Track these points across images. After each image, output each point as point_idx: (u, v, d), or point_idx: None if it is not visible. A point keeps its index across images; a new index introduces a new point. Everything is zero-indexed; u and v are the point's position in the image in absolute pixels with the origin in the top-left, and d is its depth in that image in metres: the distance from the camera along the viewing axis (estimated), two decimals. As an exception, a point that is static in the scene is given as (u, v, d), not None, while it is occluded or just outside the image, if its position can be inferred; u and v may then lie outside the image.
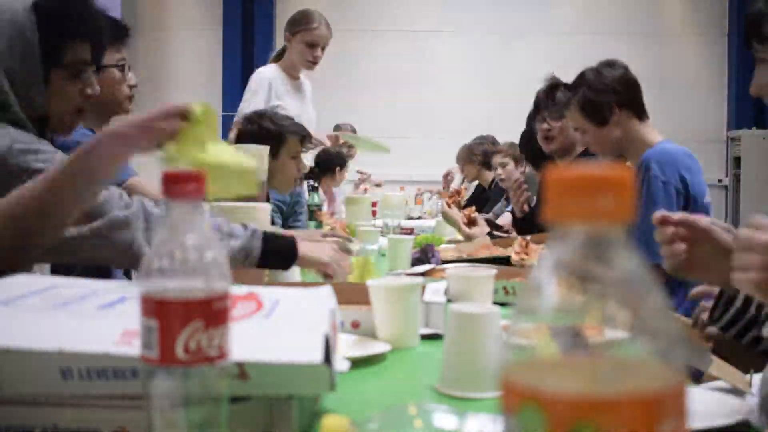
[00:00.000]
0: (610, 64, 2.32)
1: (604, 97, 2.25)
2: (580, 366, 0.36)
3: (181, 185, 0.59)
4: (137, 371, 0.68)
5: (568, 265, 0.37)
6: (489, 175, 4.87)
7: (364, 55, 8.64)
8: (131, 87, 2.13)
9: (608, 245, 0.37)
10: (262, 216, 1.70)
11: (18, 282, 0.92)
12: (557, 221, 0.38)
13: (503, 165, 4.27)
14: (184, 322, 0.58)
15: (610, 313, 0.36)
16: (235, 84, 8.35)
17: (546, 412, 0.35)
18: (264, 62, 8.68)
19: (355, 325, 1.27)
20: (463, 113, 8.00)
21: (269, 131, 2.83)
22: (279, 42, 8.75)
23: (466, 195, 5.15)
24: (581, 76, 2.32)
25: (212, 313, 0.59)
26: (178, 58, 8.67)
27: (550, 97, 2.85)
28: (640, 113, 2.28)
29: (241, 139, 2.89)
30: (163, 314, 0.59)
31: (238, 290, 0.88)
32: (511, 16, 8.46)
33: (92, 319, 0.77)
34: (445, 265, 2.16)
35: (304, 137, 2.94)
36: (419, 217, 4.81)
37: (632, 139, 2.28)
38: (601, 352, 0.36)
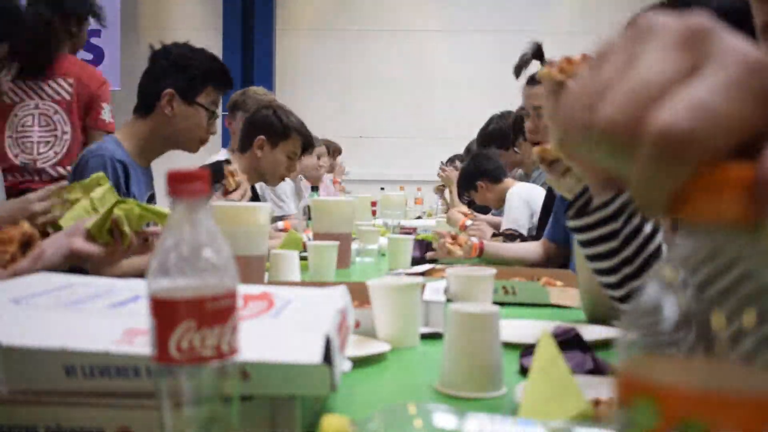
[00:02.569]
0: None
1: None
2: (697, 364, 0.36)
3: (184, 184, 0.59)
4: (139, 369, 0.68)
5: (691, 267, 0.36)
6: None
7: (363, 55, 8.64)
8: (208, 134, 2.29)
9: (734, 247, 0.36)
10: (262, 216, 1.70)
11: (36, 280, 0.92)
12: (685, 220, 0.36)
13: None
14: (175, 321, 0.58)
15: (734, 315, 0.35)
16: (234, 84, 8.34)
17: (658, 405, 0.35)
18: (264, 62, 8.66)
19: (355, 325, 1.27)
20: (463, 113, 8.00)
21: (282, 122, 2.89)
22: (279, 42, 8.79)
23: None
24: None
25: (205, 313, 0.59)
26: (178, 57, 8.65)
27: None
28: None
29: (251, 123, 2.93)
30: (158, 313, 0.59)
31: (253, 289, 0.89)
32: (510, 16, 8.47)
33: (99, 318, 0.78)
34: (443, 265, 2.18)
35: (307, 144, 2.99)
36: (419, 217, 4.82)
37: None
38: (722, 353, 0.35)
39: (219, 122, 2.36)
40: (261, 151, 2.88)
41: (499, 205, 3.68)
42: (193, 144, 2.25)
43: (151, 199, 2.27)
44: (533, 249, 2.57)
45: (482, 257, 2.45)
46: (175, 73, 2.18)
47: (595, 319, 1.51)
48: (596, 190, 1.03)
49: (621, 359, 0.38)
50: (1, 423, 0.71)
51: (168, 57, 2.21)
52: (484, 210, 4.45)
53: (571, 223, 1.05)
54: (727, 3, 1.23)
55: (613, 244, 1.00)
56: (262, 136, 2.87)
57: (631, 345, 0.37)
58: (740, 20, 1.19)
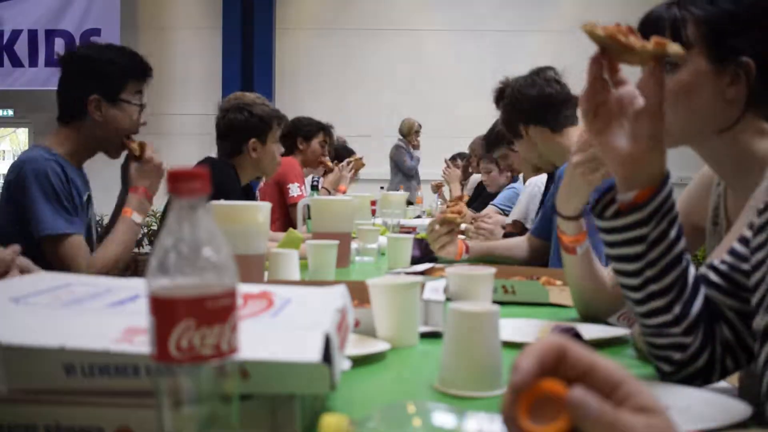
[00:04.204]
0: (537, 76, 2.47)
1: (514, 116, 2.49)
2: None
3: (184, 182, 0.59)
4: (139, 368, 0.68)
5: None
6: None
7: (363, 54, 8.64)
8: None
9: None
10: (262, 215, 1.70)
11: (35, 279, 0.92)
12: None
13: (488, 171, 4.36)
14: (174, 320, 0.58)
15: None
16: (234, 84, 8.34)
17: None
18: (263, 62, 8.64)
19: (355, 324, 1.27)
20: (463, 113, 8.00)
21: (261, 117, 2.96)
22: (278, 42, 8.78)
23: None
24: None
25: (205, 312, 0.59)
26: (178, 57, 8.66)
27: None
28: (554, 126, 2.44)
29: (230, 127, 2.96)
30: (158, 312, 0.59)
31: (252, 288, 0.88)
32: (510, 16, 8.46)
33: (99, 317, 0.78)
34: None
35: (281, 122, 3.07)
36: (418, 216, 4.82)
37: (549, 150, 2.44)
38: None
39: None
40: (256, 152, 2.95)
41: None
42: (118, 144, 2.19)
43: (89, 200, 2.23)
44: (518, 244, 2.62)
45: (470, 256, 2.45)
46: (93, 78, 2.15)
47: (588, 317, 1.51)
48: (622, 184, 1.01)
49: None
50: (1, 422, 0.71)
51: (80, 62, 2.19)
52: (485, 200, 4.46)
53: (603, 224, 1.04)
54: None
55: (639, 247, 0.99)
56: (253, 139, 2.94)
57: None
58: (759, 12, 1.18)
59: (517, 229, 3.10)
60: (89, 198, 2.24)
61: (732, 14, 1.19)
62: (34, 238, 1.99)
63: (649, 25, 1.26)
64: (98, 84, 2.14)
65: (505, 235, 2.87)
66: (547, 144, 2.46)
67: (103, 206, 2.74)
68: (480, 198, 4.80)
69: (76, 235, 2.05)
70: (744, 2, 1.21)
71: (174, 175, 0.59)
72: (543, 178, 3.32)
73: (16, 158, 2.18)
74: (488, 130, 4.33)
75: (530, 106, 2.44)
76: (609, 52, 0.98)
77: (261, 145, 2.95)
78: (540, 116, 2.43)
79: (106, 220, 2.35)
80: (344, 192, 4.09)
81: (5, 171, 2.37)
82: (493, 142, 4.28)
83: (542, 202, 2.83)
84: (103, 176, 2.40)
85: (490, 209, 4.18)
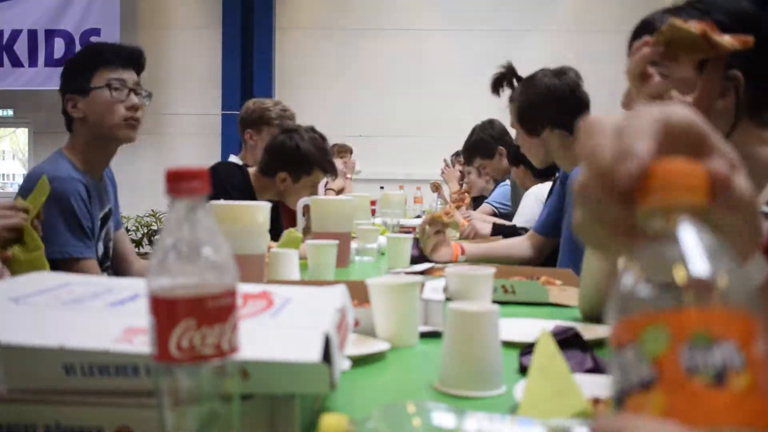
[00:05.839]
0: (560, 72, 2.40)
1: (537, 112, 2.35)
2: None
3: (184, 182, 0.59)
4: (139, 368, 0.68)
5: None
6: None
7: (364, 54, 8.64)
8: (131, 109, 2.11)
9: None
10: (262, 215, 1.70)
11: (34, 279, 0.92)
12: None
13: (483, 167, 4.37)
14: (175, 320, 0.58)
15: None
16: (234, 83, 8.35)
17: (669, 328, 0.40)
18: (263, 62, 8.64)
19: (355, 324, 1.27)
20: (463, 112, 7.99)
21: (302, 155, 2.86)
22: (278, 42, 8.78)
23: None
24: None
25: (206, 311, 0.59)
26: (178, 57, 8.66)
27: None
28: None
29: (273, 153, 2.90)
30: (158, 312, 0.59)
31: (252, 288, 0.89)
32: (510, 15, 8.46)
33: (99, 317, 0.78)
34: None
35: (327, 173, 3.03)
36: (418, 216, 4.82)
37: (562, 156, 2.37)
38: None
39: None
40: (284, 184, 2.90)
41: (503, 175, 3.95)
42: (119, 129, 2.11)
43: (107, 216, 2.19)
44: (519, 244, 2.57)
45: (467, 259, 2.41)
46: (65, 77, 2.13)
47: (591, 317, 1.51)
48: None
49: (616, 313, 0.45)
50: (1, 422, 0.71)
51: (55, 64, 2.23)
52: (479, 201, 4.47)
53: None
54: (729, 7, 1.22)
55: None
56: (285, 173, 2.88)
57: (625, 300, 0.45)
58: (749, 25, 1.18)
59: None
60: (109, 212, 2.21)
61: (723, 25, 1.19)
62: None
63: (643, 30, 1.26)
64: (68, 81, 2.13)
65: (506, 236, 2.86)
66: (562, 151, 2.35)
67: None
68: (478, 198, 4.80)
69: (89, 260, 2.04)
70: (735, 15, 1.20)
71: (173, 174, 0.59)
72: (542, 188, 3.31)
73: (37, 166, 2.14)
74: (465, 140, 4.35)
75: (558, 108, 2.31)
76: (675, 47, 0.97)
77: (291, 182, 2.88)
78: (566, 121, 2.29)
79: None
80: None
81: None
82: (470, 153, 4.31)
83: (546, 200, 2.82)
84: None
85: (485, 207, 4.20)
